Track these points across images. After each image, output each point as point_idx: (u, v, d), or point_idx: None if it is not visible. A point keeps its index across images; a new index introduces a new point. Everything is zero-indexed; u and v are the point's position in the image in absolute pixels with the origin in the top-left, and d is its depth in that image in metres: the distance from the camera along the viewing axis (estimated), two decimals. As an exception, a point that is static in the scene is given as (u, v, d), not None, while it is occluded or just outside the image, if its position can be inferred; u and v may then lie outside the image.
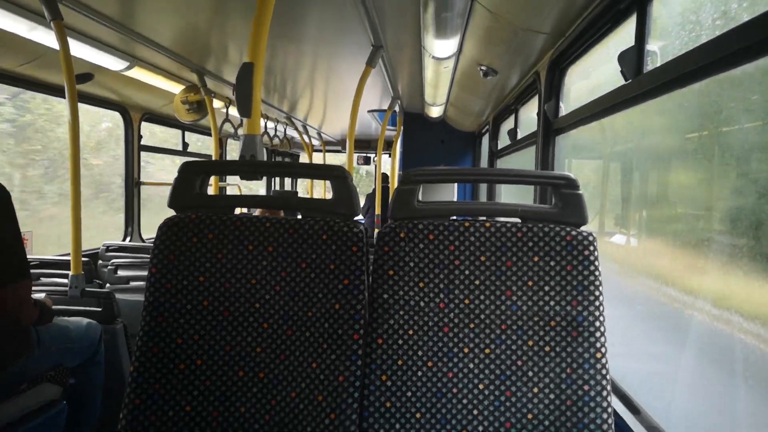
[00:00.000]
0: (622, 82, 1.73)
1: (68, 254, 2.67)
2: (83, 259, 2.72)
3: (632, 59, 1.66)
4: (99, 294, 2.65)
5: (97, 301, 2.63)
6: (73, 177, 2.61)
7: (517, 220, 1.35)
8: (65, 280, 2.71)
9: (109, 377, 2.49)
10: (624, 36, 1.84)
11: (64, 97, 2.59)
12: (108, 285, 3.26)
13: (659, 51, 1.61)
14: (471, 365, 1.27)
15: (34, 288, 2.30)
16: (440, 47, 2.68)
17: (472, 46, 2.81)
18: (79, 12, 2.51)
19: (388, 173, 7.88)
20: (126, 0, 2.53)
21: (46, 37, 2.73)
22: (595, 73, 2.37)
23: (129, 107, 4.53)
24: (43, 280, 2.92)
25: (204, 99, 4.16)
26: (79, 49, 2.99)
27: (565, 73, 2.60)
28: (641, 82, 1.61)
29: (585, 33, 2.13)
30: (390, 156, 6.81)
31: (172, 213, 1.41)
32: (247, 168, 1.47)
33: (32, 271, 1.99)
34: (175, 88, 4.26)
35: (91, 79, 3.48)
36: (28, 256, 1.94)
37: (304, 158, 10.44)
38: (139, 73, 3.69)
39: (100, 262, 3.80)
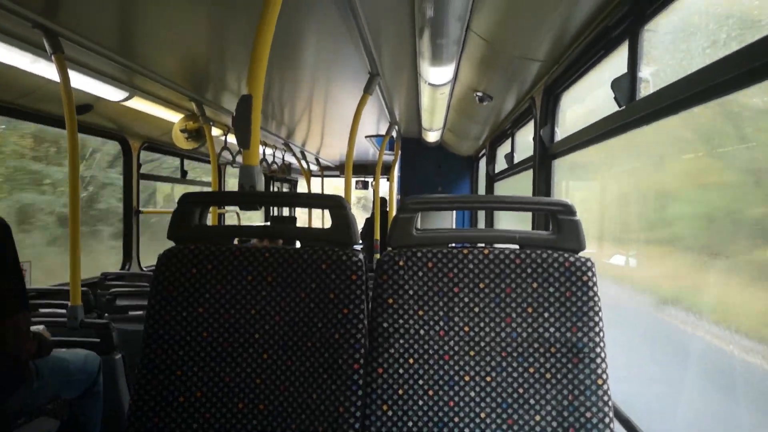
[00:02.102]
0: (615, 105, 1.76)
1: (67, 284, 2.66)
2: (82, 288, 2.71)
3: (625, 86, 1.68)
4: (97, 325, 2.63)
5: (95, 331, 2.61)
6: (72, 207, 2.62)
7: (516, 246, 1.35)
8: (63, 311, 2.69)
9: (107, 409, 2.46)
10: (618, 61, 1.87)
11: (64, 128, 2.61)
12: (106, 315, 3.24)
13: (651, 78, 1.64)
14: (472, 393, 1.26)
15: (32, 318, 2.28)
16: (436, 74, 2.72)
17: (467, 72, 2.84)
18: (80, 45, 2.54)
19: (387, 198, 7.90)
20: (125, 32, 2.56)
21: (47, 70, 2.76)
22: (590, 98, 2.40)
23: (128, 136, 4.56)
24: (41, 310, 2.90)
25: (202, 127, 4.19)
26: (79, 81, 3.02)
27: (559, 99, 2.63)
28: (635, 109, 1.63)
29: (578, 60, 2.16)
30: (388, 180, 6.84)
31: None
32: (246, 198, 1.48)
33: (31, 301, 1.98)
34: (174, 116, 4.29)
35: (90, 110, 3.51)
36: (26, 287, 1.94)
37: (302, 182, 10.48)
38: (138, 103, 3.72)
39: (99, 291, 3.79)
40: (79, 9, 2.25)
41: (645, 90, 1.64)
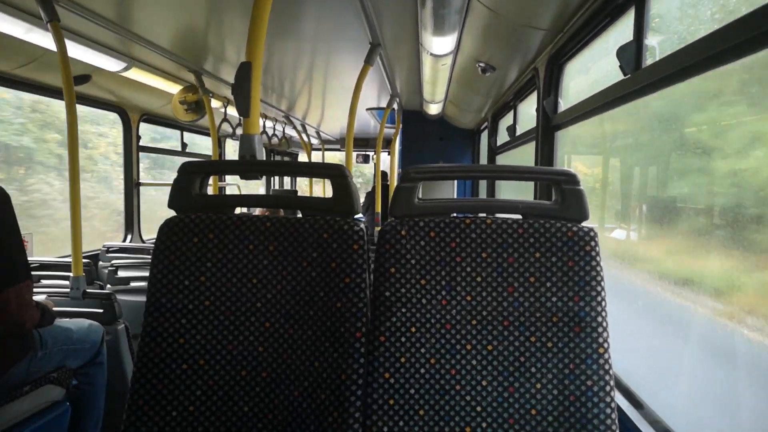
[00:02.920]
0: (620, 77, 1.73)
1: (69, 256, 2.67)
2: (84, 260, 2.71)
3: (631, 54, 1.65)
4: (100, 295, 2.65)
5: (98, 302, 2.63)
6: (72, 178, 2.61)
7: (518, 216, 1.35)
8: (66, 282, 2.71)
9: (111, 378, 2.49)
10: (623, 31, 1.84)
11: (62, 99, 2.59)
12: (109, 286, 3.26)
13: (658, 45, 1.61)
14: (474, 362, 1.27)
15: (35, 290, 2.30)
16: (438, 44, 2.68)
17: (470, 42, 2.80)
18: (76, 13, 2.50)
19: (388, 171, 7.88)
20: (123, 0, 2.52)
21: (43, 39, 2.73)
22: (594, 68, 2.37)
23: (127, 108, 4.53)
24: (44, 282, 2.92)
25: (202, 99, 4.16)
26: (76, 51, 2.98)
27: (563, 69, 2.60)
28: (640, 77, 1.61)
29: (583, 28, 2.13)
30: (389, 154, 6.81)
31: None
32: (247, 167, 1.47)
33: (33, 273, 1.99)
34: (173, 88, 4.26)
35: (88, 81, 3.47)
36: (28, 258, 1.94)
37: (302, 157, 10.45)
38: (136, 74, 3.68)
39: (101, 263, 3.80)
40: None
41: (651, 58, 1.61)
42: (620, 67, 1.70)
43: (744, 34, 1.10)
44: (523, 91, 3.52)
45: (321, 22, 2.87)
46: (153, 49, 3.17)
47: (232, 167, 1.73)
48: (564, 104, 2.61)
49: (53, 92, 3.55)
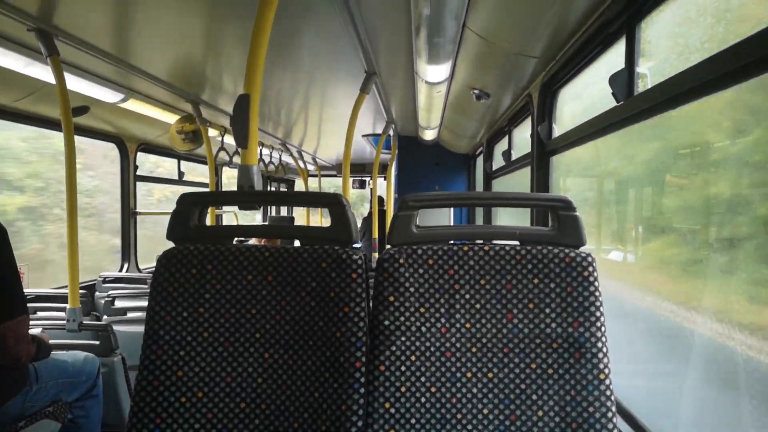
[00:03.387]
0: (613, 102, 1.76)
1: (65, 287, 2.66)
2: (80, 291, 2.70)
3: (623, 81, 1.68)
4: (96, 327, 2.63)
5: (94, 333, 2.61)
6: (70, 210, 2.62)
7: (516, 242, 1.35)
8: (62, 314, 2.69)
9: (107, 411, 2.46)
10: (615, 57, 1.87)
11: (61, 131, 2.61)
12: (105, 317, 3.24)
13: (649, 72, 1.64)
14: (474, 390, 1.26)
15: (31, 322, 2.28)
16: (433, 72, 2.71)
17: (464, 70, 2.84)
18: (75, 47, 2.53)
19: (384, 196, 7.90)
20: (121, 33, 2.56)
21: (42, 72, 2.75)
22: (587, 94, 2.40)
23: (125, 138, 4.55)
24: (40, 314, 2.90)
25: (199, 128, 4.19)
26: (75, 83, 3.02)
27: (557, 95, 2.63)
28: (632, 104, 1.63)
29: (576, 56, 2.16)
30: (385, 179, 6.84)
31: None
32: (246, 198, 1.48)
33: (29, 305, 1.98)
34: (171, 118, 4.29)
35: (87, 112, 3.50)
36: (24, 290, 1.93)
37: (299, 183, 10.48)
38: (134, 105, 3.71)
39: (97, 293, 3.78)
40: (74, 11, 2.25)
41: (643, 85, 1.64)
42: (612, 94, 1.72)
43: (734, 62, 1.12)
44: (518, 116, 3.55)
45: (317, 53, 2.91)
46: (151, 80, 3.21)
47: (231, 198, 1.74)
48: (558, 129, 2.64)
49: (51, 124, 3.57)
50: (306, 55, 2.94)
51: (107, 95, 3.39)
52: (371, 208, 7.70)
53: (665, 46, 1.60)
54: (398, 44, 2.68)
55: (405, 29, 2.43)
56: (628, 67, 1.67)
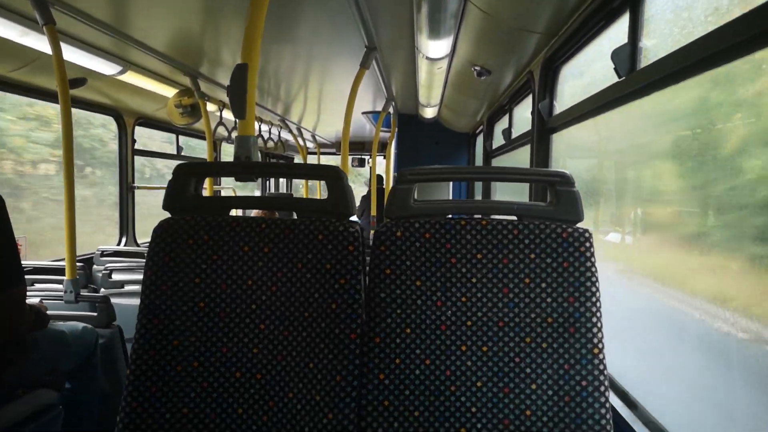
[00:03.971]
0: (615, 80, 1.74)
1: (63, 259, 2.66)
2: (78, 264, 2.70)
3: (625, 56, 1.66)
4: (94, 298, 2.64)
5: (92, 305, 2.62)
6: (67, 182, 2.61)
7: (513, 217, 1.35)
8: (60, 286, 2.69)
9: (105, 381, 2.48)
10: (617, 34, 1.85)
11: (58, 102, 2.58)
12: (103, 289, 3.25)
13: (653, 48, 1.62)
14: (469, 363, 1.27)
15: (28, 293, 2.28)
16: (434, 48, 2.69)
17: (465, 46, 2.81)
18: (72, 16, 2.50)
19: (383, 175, 7.89)
20: (119, 4, 2.52)
21: (39, 42, 2.72)
22: (589, 71, 2.38)
23: (122, 111, 4.52)
24: (38, 285, 2.90)
25: (198, 102, 4.16)
26: (71, 54, 2.98)
27: (558, 72, 2.61)
28: (635, 79, 1.61)
29: (578, 32, 2.14)
30: (385, 158, 6.82)
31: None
32: (243, 169, 1.47)
33: (27, 276, 1.98)
34: (169, 91, 4.26)
35: (84, 84, 3.47)
36: (22, 262, 1.93)
37: (298, 161, 10.45)
38: (132, 78, 3.68)
39: (95, 266, 3.79)
40: None
41: (646, 61, 1.62)
42: (615, 69, 1.70)
43: (738, 35, 1.10)
44: (519, 94, 3.53)
45: (317, 26, 2.88)
46: (149, 52, 3.17)
47: (227, 168, 1.73)
48: (559, 107, 2.62)
49: (48, 95, 3.55)
50: (305, 29, 2.91)
51: (105, 67, 3.35)
52: (370, 186, 7.70)
53: (669, 21, 1.58)
54: (399, 19, 2.64)
55: (406, 3, 2.39)
56: (632, 41, 1.65)
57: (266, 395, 1.28)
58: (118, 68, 3.42)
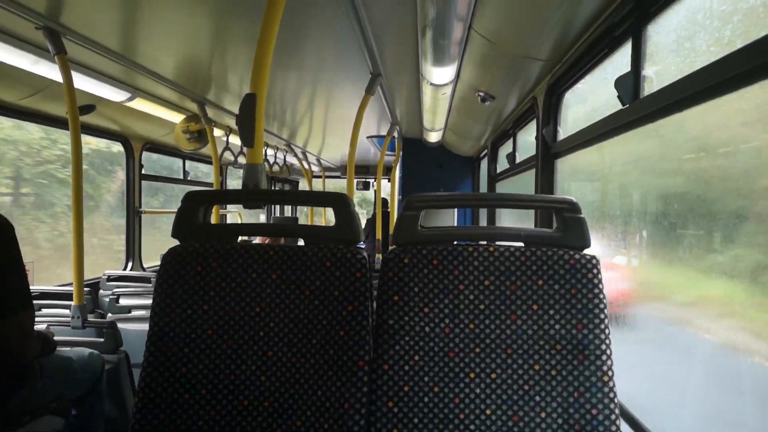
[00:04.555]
0: (619, 106, 1.76)
1: (70, 284, 2.67)
2: (84, 289, 2.71)
3: (629, 84, 1.68)
4: (101, 324, 2.64)
5: (99, 331, 2.62)
6: (75, 208, 2.63)
7: (520, 244, 1.35)
8: (67, 311, 2.70)
9: (111, 407, 2.47)
10: (620, 60, 1.87)
11: (67, 129, 2.62)
12: (109, 314, 3.25)
13: (655, 76, 1.64)
14: (477, 390, 1.26)
15: (36, 318, 2.29)
16: (438, 74, 2.72)
17: (469, 72, 2.85)
18: (83, 45, 2.55)
19: (388, 198, 7.91)
20: (129, 33, 2.57)
21: (49, 71, 2.77)
22: (592, 97, 2.40)
23: (130, 137, 4.57)
24: (45, 311, 2.91)
25: (204, 128, 4.20)
26: (81, 82, 3.03)
27: (562, 98, 2.63)
28: (638, 107, 1.63)
29: (581, 59, 2.16)
30: (389, 181, 6.85)
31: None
32: (251, 197, 1.49)
33: (34, 302, 1.99)
34: (176, 117, 4.31)
35: (93, 111, 3.52)
36: (30, 287, 1.94)
37: (303, 184, 10.50)
38: (140, 104, 3.73)
39: (102, 291, 3.80)
40: (82, 9, 2.26)
41: (649, 88, 1.64)
42: (618, 97, 1.72)
43: (740, 66, 1.12)
44: (523, 119, 3.56)
45: (323, 53, 2.92)
46: (157, 79, 3.22)
47: (236, 196, 1.75)
48: (563, 132, 2.64)
49: (57, 122, 3.59)
50: (312, 56, 2.95)
51: (114, 94, 3.40)
52: (375, 210, 7.71)
53: (672, 50, 1.60)
54: (404, 45, 2.68)
55: (411, 31, 2.43)
56: (634, 70, 1.67)
57: (274, 423, 1.27)
58: (127, 95, 3.47)
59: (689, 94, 1.33)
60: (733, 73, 1.14)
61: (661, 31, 1.62)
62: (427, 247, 1.34)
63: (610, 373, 1.24)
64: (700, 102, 1.32)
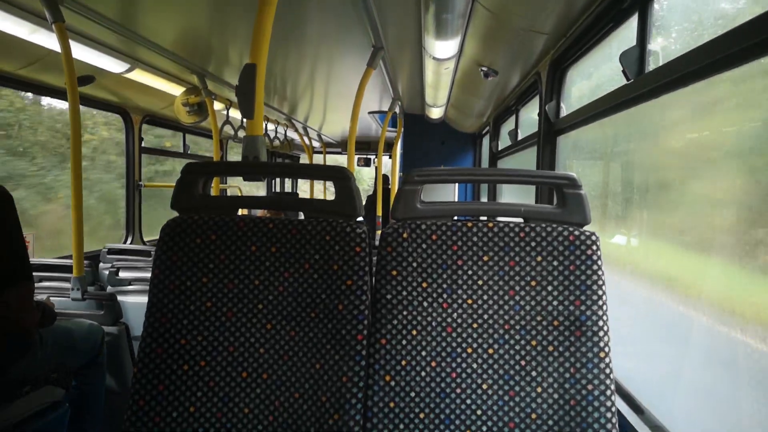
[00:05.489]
0: (623, 82, 1.74)
1: (70, 257, 2.67)
2: (85, 261, 2.72)
3: (634, 59, 1.66)
4: (101, 296, 2.65)
5: (98, 303, 2.63)
6: (74, 179, 2.62)
7: (520, 220, 1.35)
8: (67, 284, 2.71)
9: (111, 379, 2.49)
10: (626, 36, 1.84)
11: (66, 100, 2.59)
12: (109, 287, 3.26)
13: (661, 50, 1.61)
14: (474, 365, 1.27)
15: (36, 290, 2.29)
16: (441, 48, 2.69)
17: (472, 47, 2.81)
18: (81, 14, 2.51)
19: (389, 175, 7.89)
20: (127, 2, 2.53)
21: (48, 40, 2.73)
22: (596, 73, 2.37)
23: (130, 109, 4.54)
24: (45, 283, 2.92)
25: (205, 101, 4.17)
26: (80, 52, 3.00)
27: (566, 74, 2.60)
28: (643, 82, 1.61)
29: (586, 33, 2.13)
30: (390, 157, 6.82)
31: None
32: (251, 169, 1.47)
33: (34, 273, 2.00)
34: (176, 90, 4.27)
35: (92, 82, 3.48)
36: (30, 259, 1.94)
37: (304, 160, 10.47)
38: (140, 76, 3.69)
39: (102, 264, 3.81)
40: None
41: (654, 63, 1.62)
42: (623, 71, 1.70)
43: (747, 39, 1.10)
44: (525, 95, 3.52)
45: (324, 25, 2.88)
46: (157, 50, 3.18)
47: (236, 168, 1.74)
48: (566, 109, 2.61)
49: (56, 93, 3.56)
50: (313, 28, 2.91)
51: (113, 65, 3.37)
52: (375, 186, 7.70)
53: (678, 23, 1.57)
54: (406, 18, 2.64)
55: (414, 3, 2.39)
56: (640, 44, 1.65)
57: (272, 395, 1.28)
58: (126, 66, 3.44)
59: (695, 69, 1.31)
60: (740, 46, 1.12)
61: (667, 4, 1.59)
62: (426, 222, 1.33)
63: (606, 349, 1.24)
64: (707, 76, 1.30)
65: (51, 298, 2.51)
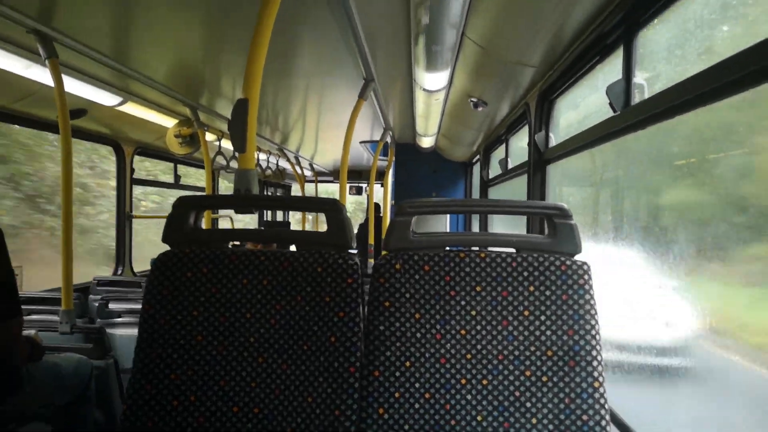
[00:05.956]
0: (610, 112, 1.77)
1: (59, 289, 2.65)
2: (74, 293, 2.69)
3: (620, 91, 1.69)
4: (90, 329, 2.62)
5: (87, 336, 2.60)
6: (65, 212, 2.61)
7: (512, 250, 1.35)
8: (55, 317, 2.67)
9: (99, 414, 2.44)
10: (612, 68, 1.88)
11: (58, 133, 2.60)
12: (99, 320, 3.22)
13: (646, 83, 1.65)
14: (469, 396, 1.26)
15: (24, 323, 2.26)
16: (431, 80, 2.73)
17: (462, 78, 2.85)
18: (75, 50, 2.54)
19: (381, 203, 7.91)
20: (120, 37, 2.56)
21: (41, 75, 2.75)
22: (584, 104, 2.41)
23: (121, 141, 4.55)
24: (33, 316, 2.88)
25: (197, 132, 4.19)
26: (73, 86, 3.02)
27: (554, 105, 2.64)
28: (629, 114, 1.64)
29: (573, 66, 2.17)
30: (382, 186, 6.85)
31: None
32: (243, 202, 1.48)
33: (22, 307, 1.97)
34: (168, 121, 4.29)
35: (84, 115, 3.50)
36: (18, 292, 1.92)
37: (296, 188, 10.49)
38: (132, 108, 3.71)
39: (91, 296, 3.77)
40: (73, 13, 2.25)
41: (639, 96, 1.65)
42: (610, 104, 1.73)
43: (731, 74, 1.13)
44: (515, 125, 3.57)
45: (316, 58, 2.92)
46: (149, 84, 3.21)
47: (228, 202, 1.74)
48: (555, 138, 2.65)
49: (48, 126, 3.57)
50: (305, 61, 2.95)
51: (105, 98, 3.39)
52: (367, 215, 7.71)
53: (663, 58, 1.61)
54: (397, 51, 2.69)
55: (404, 37, 2.44)
56: (626, 77, 1.68)
57: (263, 430, 1.26)
58: (119, 99, 3.46)
59: (679, 102, 1.34)
60: (723, 81, 1.15)
61: (652, 39, 1.63)
62: (419, 253, 1.34)
63: (600, 379, 1.24)
64: (691, 109, 1.33)
65: (39, 332, 2.48)
